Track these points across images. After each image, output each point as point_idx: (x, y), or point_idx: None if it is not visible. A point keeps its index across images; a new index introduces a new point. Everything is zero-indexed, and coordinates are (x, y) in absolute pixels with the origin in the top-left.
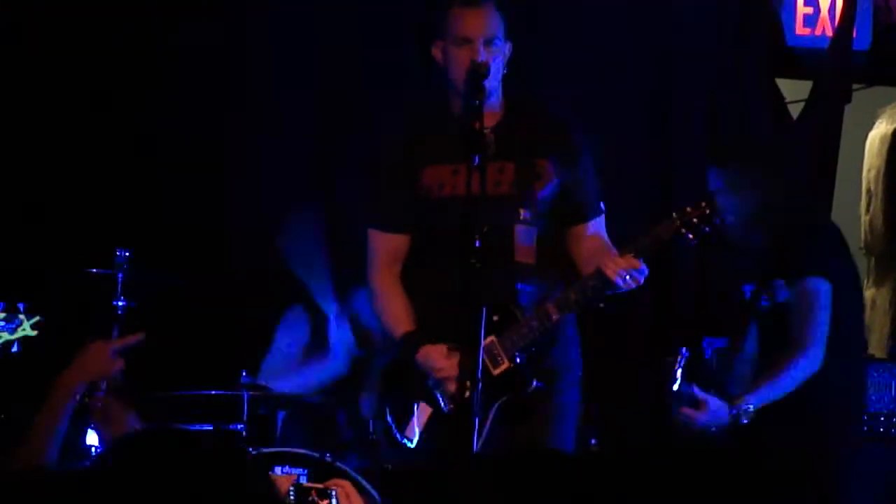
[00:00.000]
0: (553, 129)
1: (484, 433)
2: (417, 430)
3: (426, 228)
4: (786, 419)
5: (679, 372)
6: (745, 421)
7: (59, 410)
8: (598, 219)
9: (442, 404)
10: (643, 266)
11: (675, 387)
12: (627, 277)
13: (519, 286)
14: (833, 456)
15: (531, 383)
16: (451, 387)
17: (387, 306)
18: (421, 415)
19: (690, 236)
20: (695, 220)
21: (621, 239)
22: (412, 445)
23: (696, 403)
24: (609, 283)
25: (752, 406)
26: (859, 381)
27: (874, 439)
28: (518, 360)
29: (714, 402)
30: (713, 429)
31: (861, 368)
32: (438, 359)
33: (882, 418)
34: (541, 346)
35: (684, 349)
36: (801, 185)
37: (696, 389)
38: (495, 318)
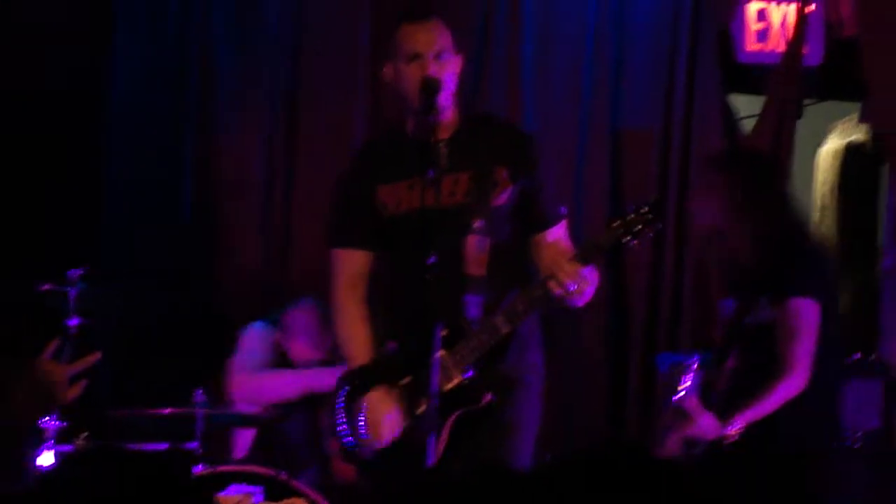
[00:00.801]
0: (509, 138)
1: (441, 449)
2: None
3: (386, 246)
4: (765, 435)
5: (689, 381)
6: (730, 440)
7: (18, 433)
8: (559, 225)
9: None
10: (589, 275)
11: (681, 395)
12: (571, 287)
13: (467, 298)
14: (813, 471)
15: (484, 397)
16: (377, 438)
17: (347, 332)
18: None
19: (634, 242)
20: (638, 226)
21: None
22: (368, 459)
23: (687, 416)
24: (550, 292)
25: (739, 426)
26: (837, 397)
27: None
28: (469, 374)
29: (707, 419)
30: (695, 447)
31: (839, 383)
32: (378, 410)
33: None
34: (492, 357)
35: (697, 357)
36: (797, 204)
37: (694, 402)
38: (444, 332)
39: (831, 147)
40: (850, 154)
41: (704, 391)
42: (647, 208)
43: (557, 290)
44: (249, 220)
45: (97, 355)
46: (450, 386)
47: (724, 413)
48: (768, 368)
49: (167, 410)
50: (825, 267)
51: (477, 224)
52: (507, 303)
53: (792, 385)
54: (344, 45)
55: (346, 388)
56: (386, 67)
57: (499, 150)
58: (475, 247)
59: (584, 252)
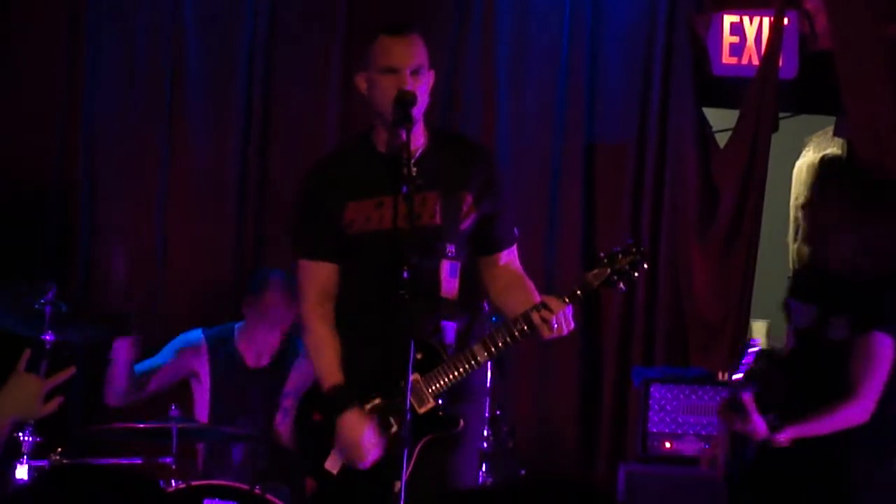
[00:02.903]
0: (475, 161)
1: (410, 468)
2: (339, 463)
3: (352, 263)
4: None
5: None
6: (777, 445)
7: None
8: (511, 248)
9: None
10: (572, 315)
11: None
12: (556, 325)
13: (443, 323)
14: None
15: (458, 423)
16: (355, 459)
17: (318, 351)
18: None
19: (622, 286)
20: (626, 266)
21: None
22: (334, 475)
23: (743, 410)
24: (536, 330)
25: (790, 435)
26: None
27: None
28: (441, 401)
29: (760, 419)
30: (744, 447)
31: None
32: (354, 431)
33: None
34: (463, 384)
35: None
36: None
37: (751, 399)
38: (419, 356)
39: (806, 160)
40: (826, 167)
41: (765, 389)
42: (635, 248)
43: (544, 328)
44: (226, 216)
45: (72, 370)
46: (423, 410)
47: (782, 417)
48: (835, 387)
49: (141, 425)
50: None
51: (449, 248)
52: (486, 333)
53: (856, 413)
54: (317, 41)
55: (316, 408)
56: (358, 77)
57: (465, 175)
58: (448, 272)
59: (575, 291)
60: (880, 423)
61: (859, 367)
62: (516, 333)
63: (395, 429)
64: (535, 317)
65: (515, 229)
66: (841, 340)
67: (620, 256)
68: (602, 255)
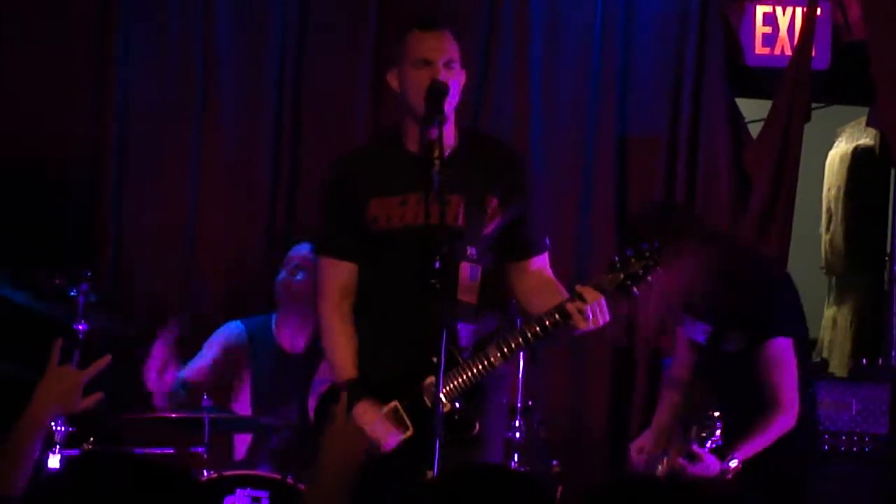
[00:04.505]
0: (503, 165)
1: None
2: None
3: (374, 260)
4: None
5: (715, 435)
6: (730, 476)
7: (31, 440)
8: (542, 255)
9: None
10: (604, 305)
11: (697, 446)
12: (591, 316)
13: (459, 326)
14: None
15: (474, 426)
16: (376, 441)
17: (335, 347)
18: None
19: (635, 290)
20: (640, 270)
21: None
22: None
23: (693, 457)
24: (570, 321)
25: (738, 461)
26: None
27: (836, 458)
28: (458, 405)
29: (710, 458)
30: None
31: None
32: (368, 415)
33: (843, 437)
34: (479, 387)
35: (719, 415)
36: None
37: (696, 446)
38: (434, 359)
39: (838, 151)
40: (858, 158)
41: (684, 416)
42: (649, 252)
43: (579, 319)
44: (255, 215)
45: (107, 359)
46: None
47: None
48: (755, 401)
49: (174, 415)
50: (796, 300)
51: (470, 251)
52: (501, 336)
53: (787, 420)
54: (349, 30)
55: (332, 401)
56: (390, 74)
57: (492, 178)
58: (468, 274)
59: (605, 284)
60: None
61: (772, 375)
62: (548, 325)
63: (409, 432)
64: (571, 307)
65: (547, 239)
66: (739, 352)
67: (633, 260)
68: (616, 258)
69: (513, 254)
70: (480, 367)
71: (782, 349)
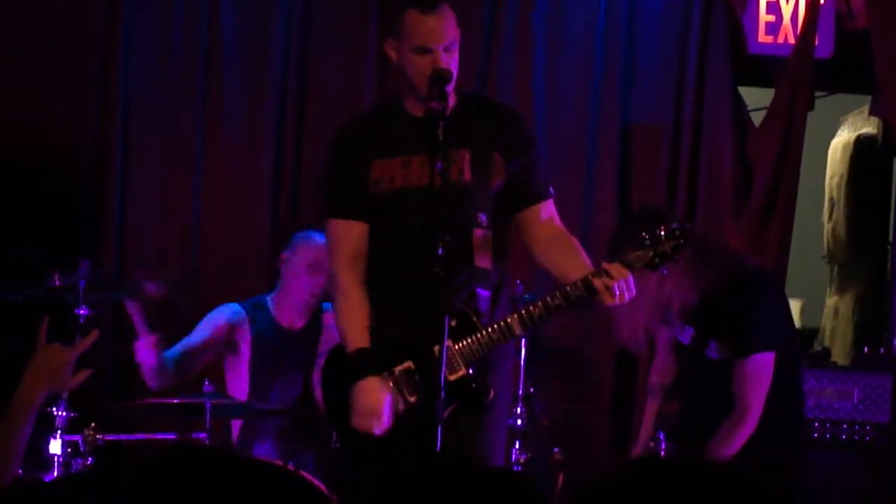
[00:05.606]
0: (502, 121)
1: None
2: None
3: (381, 224)
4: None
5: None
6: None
7: (23, 422)
8: (549, 202)
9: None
10: (631, 282)
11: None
12: (618, 292)
13: (478, 291)
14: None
15: (489, 393)
16: (368, 425)
17: (347, 312)
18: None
19: (663, 269)
20: (669, 249)
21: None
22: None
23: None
24: (596, 296)
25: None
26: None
27: (838, 446)
28: (472, 370)
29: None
30: None
31: (798, 378)
32: (372, 396)
33: (845, 425)
34: (491, 354)
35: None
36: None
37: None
38: (453, 323)
39: (841, 140)
40: (861, 147)
41: (661, 417)
42: (679, 231)
43: (606, 295)
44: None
45: (95, 334)
46: (453, 378)
47: (681, 439)
48: (724, 406)
49: (175, 401)
50: (782, 307)
51: (481, 217)
52: (522, 306)
53: (749, 427)
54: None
55: (339, 370)
56: (388, 45)
57: (493, 134)
58: (481, 240)
59: (633, 261)
60: (783, 418)
61: (745, 389)
62: (572, 296)
63: (414, 398)
64: (599, 283)
65: (551, 188)
66: (721, 361)
67: (664, 238)
68: (645, 235)
69: (519, 203)
70: (500, 334)
71: (762, 365)
